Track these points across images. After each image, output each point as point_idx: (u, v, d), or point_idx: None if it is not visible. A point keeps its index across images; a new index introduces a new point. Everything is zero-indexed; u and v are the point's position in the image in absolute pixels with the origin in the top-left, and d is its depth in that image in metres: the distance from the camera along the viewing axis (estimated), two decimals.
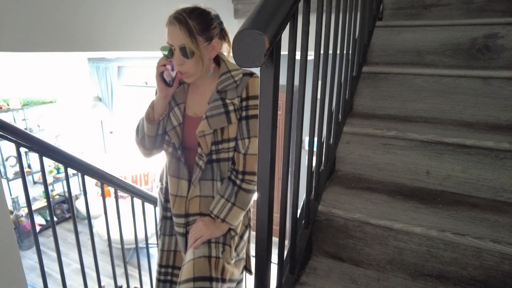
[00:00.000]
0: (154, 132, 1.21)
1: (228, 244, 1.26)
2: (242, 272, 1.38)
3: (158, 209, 1.40)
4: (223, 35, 1.19)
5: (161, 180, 1.35)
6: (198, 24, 1.08)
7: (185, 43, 1.07)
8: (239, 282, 1.38)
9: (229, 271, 1.24)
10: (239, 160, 1.19)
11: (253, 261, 1.31)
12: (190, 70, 1.11)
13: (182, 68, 1.10)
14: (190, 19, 1.06)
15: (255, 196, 0.87)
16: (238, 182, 1.19)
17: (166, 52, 1.12)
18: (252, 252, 1.40)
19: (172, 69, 1.15)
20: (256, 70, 0.64)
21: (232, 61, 1.23)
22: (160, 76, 1.14)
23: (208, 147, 1.18)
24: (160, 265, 1.34)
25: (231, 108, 1.14)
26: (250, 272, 1.39)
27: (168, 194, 1.29)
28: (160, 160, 1.37)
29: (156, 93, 1.24)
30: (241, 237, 1.32)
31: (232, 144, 1.19)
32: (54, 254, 3.58)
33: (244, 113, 1.16)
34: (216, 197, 1.20)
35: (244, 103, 1.16)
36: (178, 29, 1.06)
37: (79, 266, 1.72)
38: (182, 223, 1.26)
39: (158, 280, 1.35)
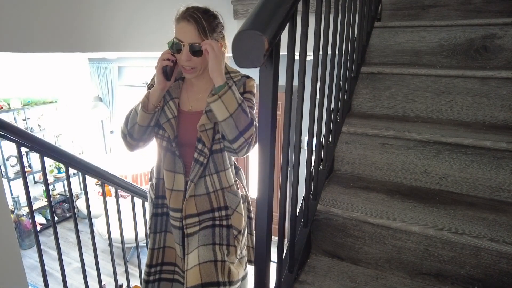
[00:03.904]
0: (147, 122, 1.21)
1: (232, 244, 1.27)
2: (245, 267, 1.39)
3: (147, 208, 1.39)
4: (224, 38, 1.22)
5: (152, 179, 1.36)
6: (209, 25, 1.12)
7: (197, 41, 1.10)
8: (244, 277, 1.39)
9: (235, 273, 1.25)
10: None
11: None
12: (196, 66, 1.15)
13: (188, 63, 1.14)
14: (203, 19, 1.11)
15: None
16: (255, 123, 1.14)
17: (172, 47, 1.14)
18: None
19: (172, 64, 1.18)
20: (256, 70, 0.64)
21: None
22: (162, 68, 1.16)
23: (210, 142, 1.19)
24: (149, 265, 1.33)
25: None
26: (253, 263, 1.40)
27: (160, 191, 1.30)
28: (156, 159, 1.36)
29: (148, 87, 1.28)
30: (243, 233, 1.33)
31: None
32: (55, 253, 3.59)
33: None
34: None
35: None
36: (192, 27, 1.10)
37: (79, 265, 1.73)
38: (179, 217, 1.27)
39: (147, 281, 1.33)
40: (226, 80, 1.10)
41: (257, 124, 1.16)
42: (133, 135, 1.24)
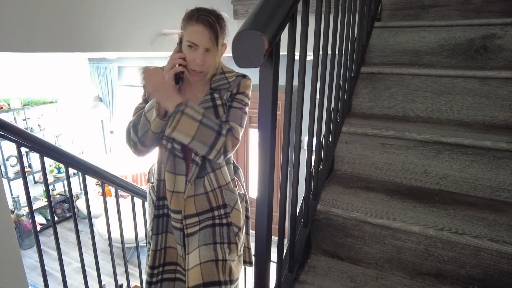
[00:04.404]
0: (161, 129, 1.20)
1: (234, 242, 1.27)
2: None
3: (148, 209, 1.38)
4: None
5: (150, 180, 1.36)
6: (220, 29, 1.14)
7: (211, 47, 1.12)
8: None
9: (235, 271, 1.26)
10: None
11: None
12: (207, 70, 1.17)
13: (201, 68, 1.15)
14: (217, 24, 1.12)
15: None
16: (223, 132, 1.14)
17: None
18: (251, 245, 1.41)
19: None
20: (255, 71, 0.64)
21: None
22: (176, 74, 1.15)
23: None
24: (152, 267, 1.33)
25: (218, 102, 1.21)
26: (250, 264, 1.40)
27: (161, 192, 1.30)
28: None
29: (146, 91, 1.29)
30: (242, 231, 1.33)
31: None
32: (55, 253, 3.59)
33: (229, 104, 1.23)
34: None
35: (232, 97, 1.22)
36: (207, 32, 1.11)
37: (79, 265, 1.73)
38: (179, 218, 1.27)
39: (150, 283, 1.33)
40: (177, 102, 1.09)
41: (230, 127, 1.15)
42: (145, 143, 1.23)
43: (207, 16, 1.11)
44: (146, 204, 1.97)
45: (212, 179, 1.25)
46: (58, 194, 5.12)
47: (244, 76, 1.24)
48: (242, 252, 1.36)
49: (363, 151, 1.33)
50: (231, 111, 1.21)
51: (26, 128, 4.56)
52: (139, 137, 1.22)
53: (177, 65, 1.14)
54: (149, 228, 1.36)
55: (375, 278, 1.07)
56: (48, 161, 4.25)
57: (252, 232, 1.41)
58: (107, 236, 1.91)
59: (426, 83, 1.42)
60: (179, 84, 1.18)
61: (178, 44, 1.19)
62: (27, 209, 4.29)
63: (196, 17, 1.12)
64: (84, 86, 5.40)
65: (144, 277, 1.37)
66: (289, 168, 0.92)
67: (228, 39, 1.22)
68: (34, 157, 4.65)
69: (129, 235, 2.49)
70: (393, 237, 1.07)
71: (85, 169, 1.62)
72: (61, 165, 4.63)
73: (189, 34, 1.13)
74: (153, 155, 1.34)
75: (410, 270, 1.07)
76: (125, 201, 4.28)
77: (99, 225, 4.17)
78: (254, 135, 4.64)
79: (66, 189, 5.04)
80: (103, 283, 2.17)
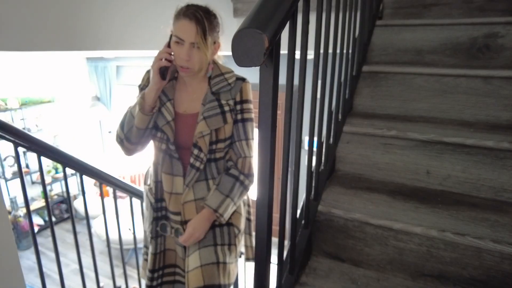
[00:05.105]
0: (145, 125, 1.18)
1: (233, 243, 1.26)
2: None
3: (145, 212, 1.35)
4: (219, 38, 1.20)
5: (147, 182, 1.34)
6: (209, 25, 1.11)
7: (197, 41, 1.09)
8: None
9: (233, 274, 1.25)
10: (244, 163, 1.23)
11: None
12: (194, 66, 1.13)
13: (187, 63, 1.12)
14: (205, 19, 1.09)
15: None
16: (246, 182, 1.23)
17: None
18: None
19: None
20: (255, 70, 0.63)
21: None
22: (160, 68, 1.14)
23: (207, 148, 1.18)
24: (152, 270, 1.30)
25: (226, 108, 1.18)
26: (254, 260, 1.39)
27: (159, 193, 1.28)
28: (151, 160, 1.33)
29: (140, 88, 1.26)
30: (242, 234, 1.32)
31: (227, 143, 1.22)
32: (53, 255, 3.58)
33: (239, 116, 1.20)
34: (215, 192, 1.20)
35: (238, 106, 1.19)
36: (194, 27, 1.08)
37: (77, 267, 1.71)
38: (179, 220, 1.25)
39: (150, 287, 1.31)
40: (214, 214, 1.19)
41: (244, 156, 1.23)
42: (130, 139, 1.22)
43: (195, 11, 1.09)
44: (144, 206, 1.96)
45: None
46: (56, 194, 5.11)
47: (244, 80, 1.21)
48: (241, 253, 1.35)
49: (365, 151, 1.31)
50: (247, 126, 1.21)
51: (24, 128, 4.55)
52: (125, 133, 1.22)
53: (163, 60, 1.13)
54: (147, 231, 1.34)
55: (377, 280, 1.06)
56: (46, 161, 4.23)
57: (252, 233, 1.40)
58: (105, 237, 1.89)
59: (428, 82, 1.41)
60: (166, 79, 1.16)
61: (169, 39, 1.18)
62: (24, 210, 4.28)
63: (184, 11, 1.10)
64: (82, 85, 5.38)
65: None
66: (289, 169, 0.91)
67: (224, 38, 1.20)
68: (32, 157, 4.63)
69: (127, 236, 2.48)
70: (395, 238, 1.06)
71: (83, 169, 1.61)
72: (59, 165, 4.61)
73: (175, 28, 1.12)
74: (150, 157, 1.32)
75: (412, 272, 1.06)
76: (123, 202, 4.27)
77: (97, 226, 4.15)
78: (254, 135, 4.63)
79: (64, 189, 5.02)
80: (101, 285, 2.16)
